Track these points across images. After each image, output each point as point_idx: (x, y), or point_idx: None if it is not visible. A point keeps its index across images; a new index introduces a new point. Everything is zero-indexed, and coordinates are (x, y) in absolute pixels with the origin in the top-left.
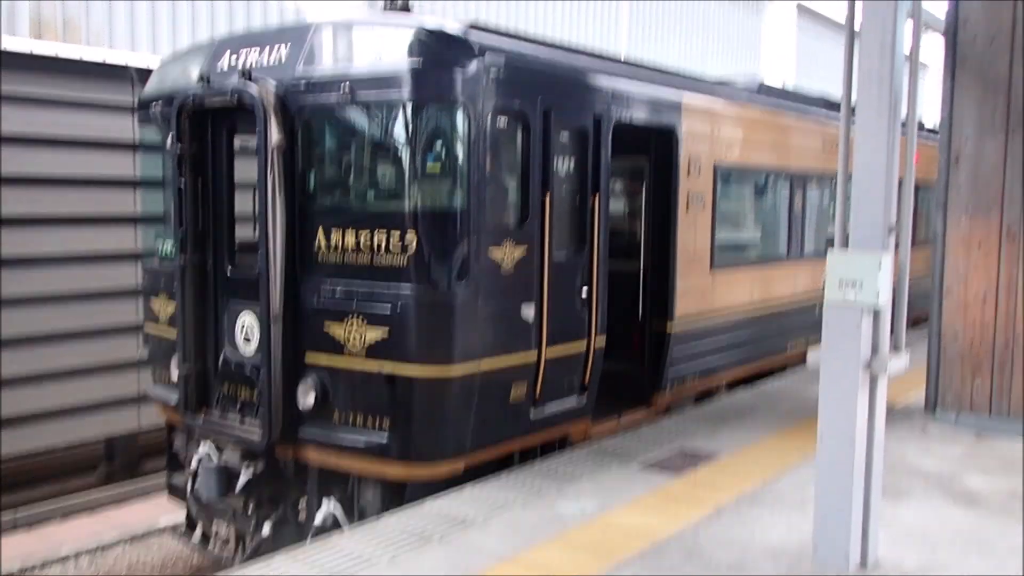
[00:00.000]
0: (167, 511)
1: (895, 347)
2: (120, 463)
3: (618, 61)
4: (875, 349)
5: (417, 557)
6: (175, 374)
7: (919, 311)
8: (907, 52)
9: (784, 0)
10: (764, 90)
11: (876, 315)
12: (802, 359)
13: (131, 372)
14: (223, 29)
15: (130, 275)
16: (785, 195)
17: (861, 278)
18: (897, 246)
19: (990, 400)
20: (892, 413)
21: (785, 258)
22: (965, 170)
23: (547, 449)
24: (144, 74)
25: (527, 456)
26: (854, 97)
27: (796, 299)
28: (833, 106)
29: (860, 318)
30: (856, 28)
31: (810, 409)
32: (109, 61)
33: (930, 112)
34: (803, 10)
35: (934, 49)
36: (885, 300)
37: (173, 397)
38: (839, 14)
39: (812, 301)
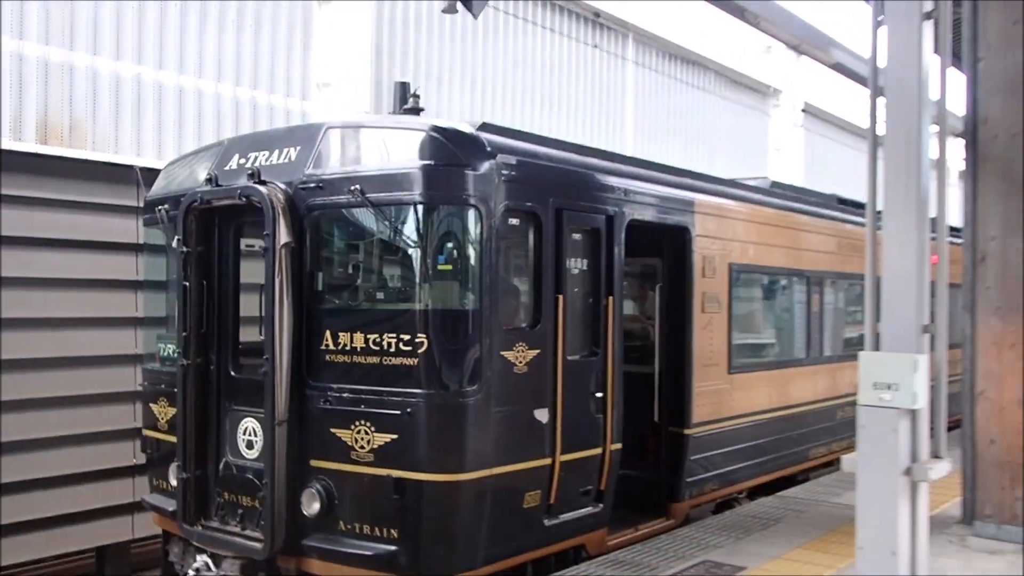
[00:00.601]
0: None
1: (935, 452)
2: (112, 574)
3: (630, 160)
4: (914, 455)
5: None
6: (173, 480)
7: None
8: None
9: (790, 102)
10: (776, 189)
11: (914, 418)
12: (825, 466)
13: (126, 478)
14: (229, 134)
15: (129, 378)
16: (802, 296)
17: (896, 380)
18: (933, 347)
19: None
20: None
21: (804, 361)
22: (992, 269)
23: (562, 560)
24: (149, 175)
25: (541, 568)
26: (878, 200)
27: (816, 403)
28: (847, 204)
29: (897, 421)
30: (879, 132)
31: (839, 518)
32: (115, 161)
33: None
34: (809, 110)
35: (953, 148)
36: (923, 403)
37: (170, 505)
38: (846, 113)
39: (833, 406)
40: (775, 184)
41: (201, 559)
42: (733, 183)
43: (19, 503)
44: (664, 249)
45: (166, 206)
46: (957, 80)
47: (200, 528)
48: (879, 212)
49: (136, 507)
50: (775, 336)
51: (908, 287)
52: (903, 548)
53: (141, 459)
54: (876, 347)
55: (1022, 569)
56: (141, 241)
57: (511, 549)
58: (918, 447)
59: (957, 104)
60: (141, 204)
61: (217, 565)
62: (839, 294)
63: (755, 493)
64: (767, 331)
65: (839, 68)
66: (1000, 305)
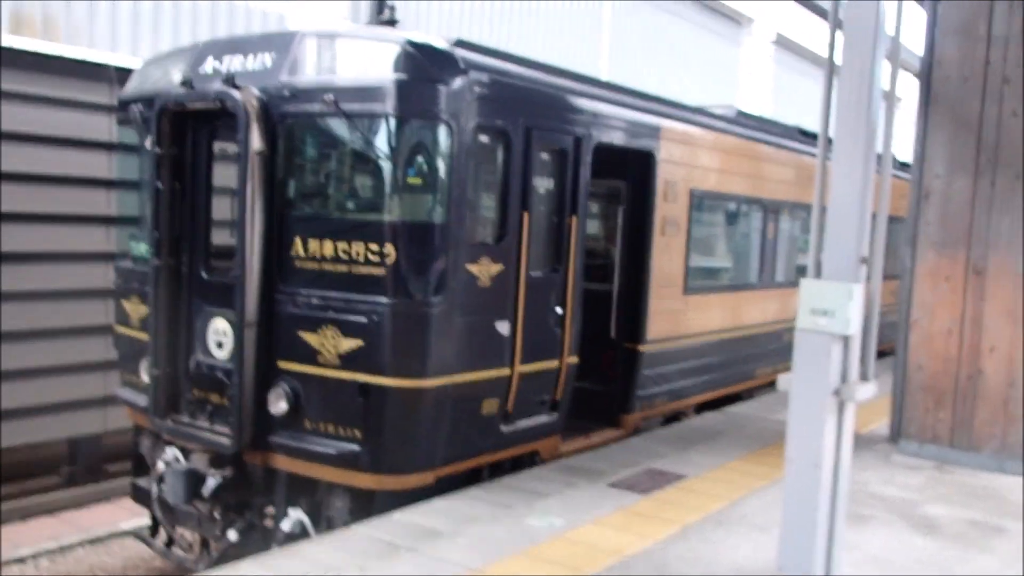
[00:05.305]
0: (130, 514)
1: (863, 375)
2: (83, 465)
3: (600, 83)
4: (844, 377)
5: (385, 567)
6: (145, 377)
7: (887, 343)
8: (885, 88)
9: (761, 32)
10: (741, 118)
11: (846, 343)
12: (769, 385)
13: (98, 373)
14: (204, 33)
15: (100, 275)
16: (758, 224)
17: (832, 307)
18: (868, 277)
19: (951, 432)
20: (857, 441)
21: (756, 285)
22: (935, 206)
23: (517, 464)
24: (124, 74)
25: (497, 470)
26: (831, 131)
27: (765, 326)
28: (808, 136)
29: (830, 345)
30: (836, 63)
31: (777, 434)
32: (89, 59)
33: (903, 148)
34: (781, 42)
35: (910, 86)
36: (855, 329)
37: (142, 400)
38: (817, 46)
39: (780, 328)
40: (741, 113)
41: (171, 451)
42: (700, 111)
43: None
44: (629, 172)
45: (140, 106)
46: (920, 19)
47: (171, 423)
48: (831, 142)
49: (108, 401)
50: (731, 261)
51: (849, 219)
52: (827, 462)
53: (113, 355)
54: (818, 275)
55: (935, 483)
56: (114, 140)
57: (469, 452)
58: (848, 370)
59: (918, 44)
60: (115, 102)
61: (186, 457)
62: (795, 223)
63: (703, 408)
64: (723, 256)
65: (804, 1)
66: (938, 240)
